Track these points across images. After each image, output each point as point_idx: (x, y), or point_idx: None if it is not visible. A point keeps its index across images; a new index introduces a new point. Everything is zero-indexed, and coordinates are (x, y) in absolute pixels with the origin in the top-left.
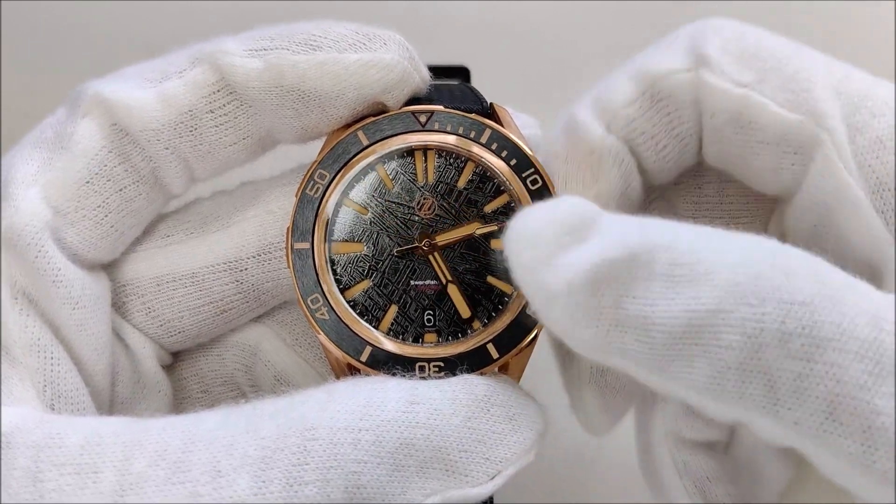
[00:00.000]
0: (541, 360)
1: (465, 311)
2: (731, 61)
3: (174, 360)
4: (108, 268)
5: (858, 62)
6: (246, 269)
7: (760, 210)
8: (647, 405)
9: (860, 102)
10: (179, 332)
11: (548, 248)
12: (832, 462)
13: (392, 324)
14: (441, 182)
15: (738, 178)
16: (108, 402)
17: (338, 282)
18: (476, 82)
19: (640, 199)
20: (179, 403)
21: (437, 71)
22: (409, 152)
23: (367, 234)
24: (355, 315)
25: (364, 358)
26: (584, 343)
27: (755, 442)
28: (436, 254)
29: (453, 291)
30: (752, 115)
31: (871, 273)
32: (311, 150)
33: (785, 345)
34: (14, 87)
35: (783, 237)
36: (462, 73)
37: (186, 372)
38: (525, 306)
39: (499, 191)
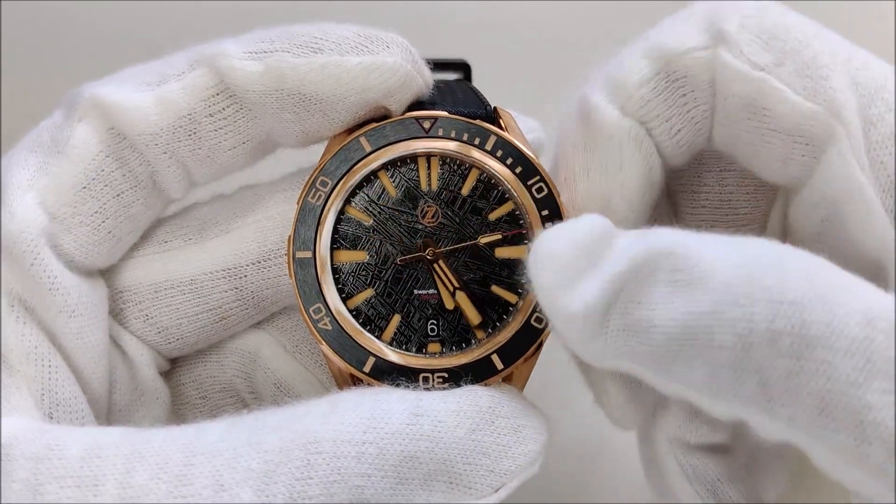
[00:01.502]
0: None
1: (475, 318)
2: (750, 40)
3: (172, 366)
4: (106, 274)
5: None
6: (245, 276)
7: (760, 200)
8: (647, 416)
9: (877, 94)
10: (178, 339)
11: (566, 272)
12: (827, 456)
13: (395, 334)
14: (445, 189)
15: (742, 165)
16: (106, 410)
17: (340, 291)
18: (477, 82)
19: (663, 181)
20: (178, 410)
21: (438, 65)
22: (413, 159)
23: (369, 242)
24: (358, 325)
25: (367, 369)
26: (595, 351)
27: (756, 443)
28: (440, 262)
29: (462, 299)
30: (767, 102)
31: (877, 272)
32: (313, 154)
33: (774, 343)
34: (14, 87)
35: (785, 230)
36: (462, 67)
37: (185, 378)
38: (530, 316)
39: (503, 198)
